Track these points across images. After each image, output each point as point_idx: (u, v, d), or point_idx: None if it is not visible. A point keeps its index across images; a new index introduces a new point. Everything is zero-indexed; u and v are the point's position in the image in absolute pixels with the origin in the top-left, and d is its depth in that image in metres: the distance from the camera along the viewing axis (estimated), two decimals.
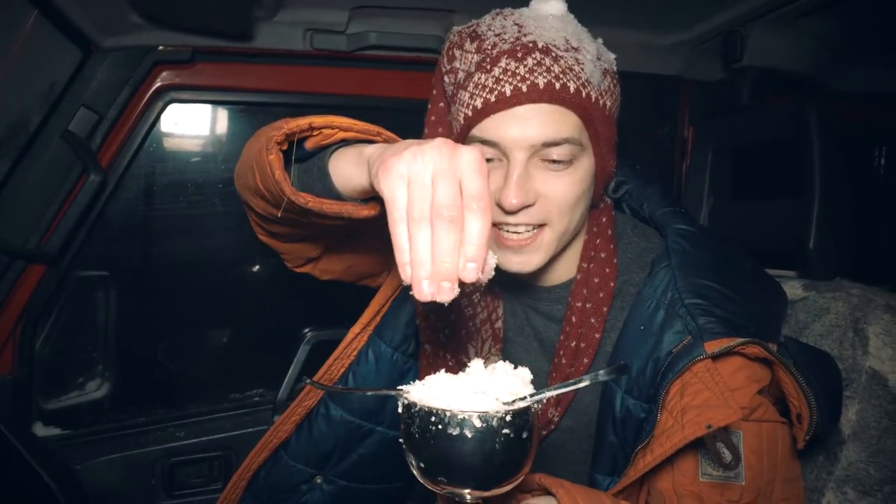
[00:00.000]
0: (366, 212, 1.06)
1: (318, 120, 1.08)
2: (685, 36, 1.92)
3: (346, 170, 1.04)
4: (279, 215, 1.13)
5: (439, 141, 0.82)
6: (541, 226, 1.19)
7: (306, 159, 1.14)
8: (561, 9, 1.23)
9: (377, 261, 1.49)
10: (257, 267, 2.25)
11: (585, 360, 1.28)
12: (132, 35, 1.67)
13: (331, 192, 1.07)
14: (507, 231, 1.21)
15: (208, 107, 2.23)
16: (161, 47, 1.73)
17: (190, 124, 2.32)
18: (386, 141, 1.06)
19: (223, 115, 2.34)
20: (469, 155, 0.80)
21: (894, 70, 2.12)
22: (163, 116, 1.86)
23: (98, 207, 1.80)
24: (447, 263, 0.78)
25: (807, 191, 1.51)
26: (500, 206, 1.17)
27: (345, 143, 1.08)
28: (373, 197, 1.04)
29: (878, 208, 2.69)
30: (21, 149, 1.62)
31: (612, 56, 1.26)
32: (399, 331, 1.46)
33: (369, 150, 0.97)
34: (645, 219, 1.40)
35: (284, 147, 1.09)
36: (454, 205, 0.77)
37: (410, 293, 0.88)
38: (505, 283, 1.39)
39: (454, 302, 1.26)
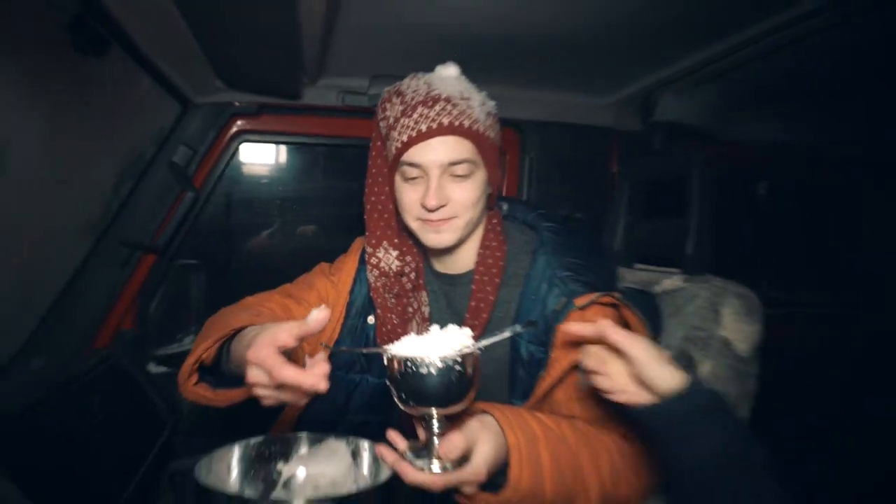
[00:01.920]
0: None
1: (192, 357, 1.17)
2: (614, 98, 1.94)
3: (241, 364, 1.11)
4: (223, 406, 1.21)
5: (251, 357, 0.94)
6: (452, 218, 1.24)
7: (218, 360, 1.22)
8: (456, 72, 1.27)
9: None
10: (301, 259, 2.21)
11: (484, 316, 1.31)
12: (216, 94, 1.72)
13: (236, 378, 1.14)
14: (428, 223, 1.25)
15: (271, 146, 2.28)
16: (237, 103, 1.77)
17: (257, 158, 2.39)
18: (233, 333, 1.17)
19: (281, 151, 2.39)
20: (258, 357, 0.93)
21: (769, 123, 2.12)
22: (238, 152, 1.89)
23: (192, 215, 1.83)
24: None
25: (688, 213, 1.52)
26: (424, 206, 1.21)
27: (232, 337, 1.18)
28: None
29: (760, 227, 2.60)
30: (139, 174, 1.67)
31: (493, 103, 1.29)
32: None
33: (239, 347, 1.11)
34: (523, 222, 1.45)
35: (197, 370, 1.18)
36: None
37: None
38: (430, 281, 1.42)
39: (397, 287, 1.37)
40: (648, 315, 1.30)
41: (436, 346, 0.94)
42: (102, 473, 1.38)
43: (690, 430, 0.87)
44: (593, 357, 0.95)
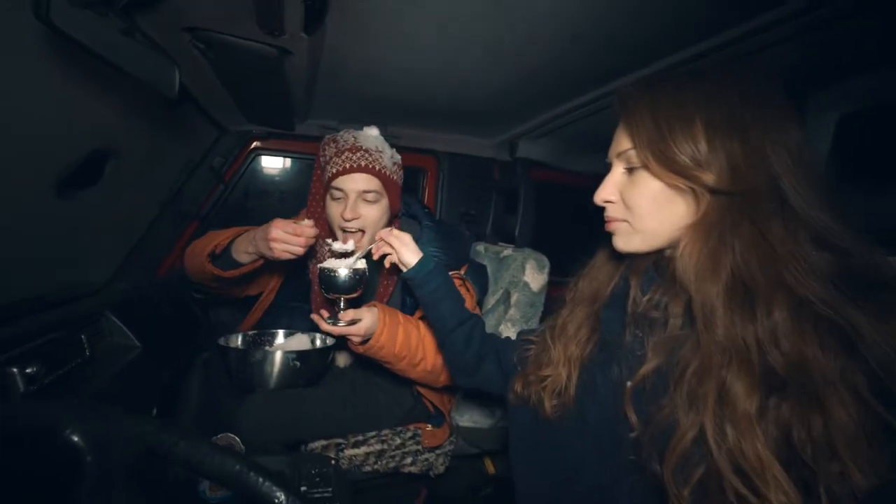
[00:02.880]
0: (251, 266, 1.23)
1: (214, 242, 1.24)
2: (495, 141, 2.06)
3: (240, 254, 1.23)
4: (215, 285, 1.30)
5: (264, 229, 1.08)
6: (361, 231, 1.26)
7: (222, 254, 1.28)
8: (376, 132, 1.29)
9: (262, 281, 1.44)
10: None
11: (394, 277, 1.37)
12: (241, 125, 1.78)
13: (235, 263, 1.23)
14: (346, 231, 1.26)
15: (276, 157, 2.25)
16: (254, 131, 1.84)
17: (267, 164, 2.41)
18: (241, 234, 1.23)
19: (284, 161, 2.42)
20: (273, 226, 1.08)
21: (585, 159, 2.12)
22: (254, 161, 1.92)
23: (223, 199, 1.88)
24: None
25: (517, 212, 1.73)
26: (343, 218, 1.23)
27: (232, 241, 1.25)
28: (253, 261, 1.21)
29: (593, 226, 2.59)
30: (191, 171, 1.70)
31: (399, 156, 1.30)
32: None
33: (243, 241, 1.20)
34: (413, 217, 1.48)
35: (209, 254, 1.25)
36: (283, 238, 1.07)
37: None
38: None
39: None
40: (481, 281, 1.46)
41: (342, 263, 1.15)
42: (168, 344, 1.53)
43: (424, 279, 1.02)
44: (387, 256, 1.08)
